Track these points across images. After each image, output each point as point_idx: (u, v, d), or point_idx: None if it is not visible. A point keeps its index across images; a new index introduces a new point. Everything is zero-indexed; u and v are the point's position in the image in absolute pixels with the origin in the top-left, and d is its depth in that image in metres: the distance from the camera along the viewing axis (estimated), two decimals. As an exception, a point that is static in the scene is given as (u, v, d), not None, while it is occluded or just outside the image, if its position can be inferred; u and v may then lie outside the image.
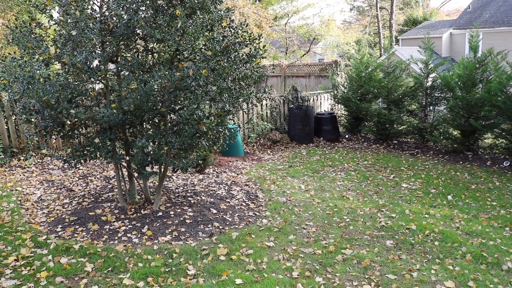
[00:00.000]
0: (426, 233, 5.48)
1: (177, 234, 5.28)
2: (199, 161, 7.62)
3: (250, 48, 5.68)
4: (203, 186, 7.29)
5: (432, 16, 34.89)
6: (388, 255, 4.92)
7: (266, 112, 11.67)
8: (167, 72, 4.81)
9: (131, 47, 5.47)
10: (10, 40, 5.20)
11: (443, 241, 5.27)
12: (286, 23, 30.45)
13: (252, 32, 5.74)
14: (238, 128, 6.85)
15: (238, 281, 4.26)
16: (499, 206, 6.56)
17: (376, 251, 5.02)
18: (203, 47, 5.47)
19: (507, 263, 4.68)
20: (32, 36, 5.21)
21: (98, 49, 5.25)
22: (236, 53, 5.42)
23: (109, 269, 4.41)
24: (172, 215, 5.78)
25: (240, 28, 5.64)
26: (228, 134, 5.86)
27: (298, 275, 4.44)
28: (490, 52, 9.42)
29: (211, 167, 8.52)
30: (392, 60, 11.43)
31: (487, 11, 24.40)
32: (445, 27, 25.74)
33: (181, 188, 7.10)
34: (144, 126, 5.93)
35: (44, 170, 7.95)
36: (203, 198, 6.57)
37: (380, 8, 36.44)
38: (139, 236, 5.19)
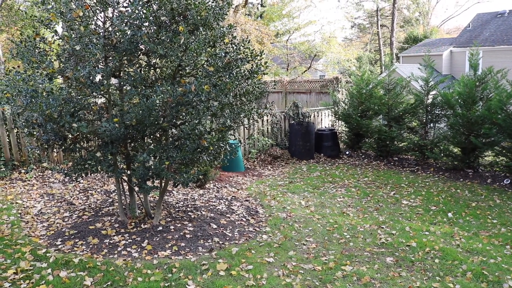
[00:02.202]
0: (427, 250, 5.46)
1: (177, 249, 5.27)
2: (200, 176, 7.62)
3: (252, 64, 5.73)
4: (204, 201, 7.29)
5: (433, 34, 35.24)
6: (388, 272, 4.90)
7: (267, 128, 11.71)
8: (169, 87, 4.86)
9: (134, 62, 5.53)
10: (15, 54, 5.26)
11: (443, 258, 5.25)
12: (287, 40, 30.70)
13: (253, 49, 5.81)
14: (239, 144, 6.87)
15: (238, 297, 4.25)
16: (499, 224, 6.54)
17: (376, 268, 5.00)
18: (205, 63, 5.53)
19: (508, 282, 4.66)
20: (36, 50, 5.27)
21: (101, 64, 5.31)
22: (238, 69, 5.48)
23: (109, 283, 4.40)
24: (172, 230, 5.77)
25: (242, 45, 5.70)
26: (229, 149, 5.88)
27: (297, 291, 4.42)
28: (490, 70, 9.48)
29: (211, 182, 8.53)
30: (393, 77, 11.50)
31: (487, 30, 24.63)
32: (445, 45, 25.97)
33: (182, 202, 7.10)
34: (146, 141, 5.96)
35: (45, 183, 7.96)
36: (203, 213, 6.57)
37: (381, 25, 36.78)
38: (139, 250, 5.18)
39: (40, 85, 5.03)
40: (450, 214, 6.98)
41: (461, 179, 9.24)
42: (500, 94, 8.87)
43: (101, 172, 5.73)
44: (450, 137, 9.86)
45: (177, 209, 6.68)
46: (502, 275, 4.81)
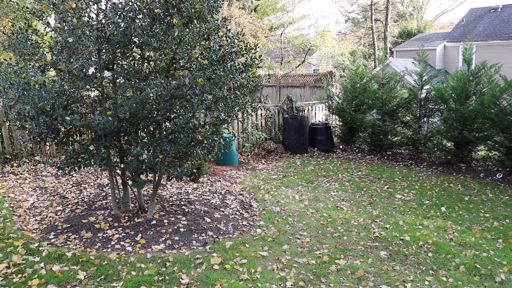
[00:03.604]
0: (420, 244, 5.48)
1: (170, 243, 5.25)
2: (194, 170, 7.59)
3: (246, 58, 5.70)
4: (197, 195, 7.27)
5: (426, 28, 35.30)
6: (382, 266, 4.92)
7: (261, 122, 11.69)
8: (163, 81, 4.82)
9: (127, 55, 5.49)
10: (6, 46, 5.20)
11: (436, 252, 5.28)
12: (281, 34, 30.65)
13: (248, 42, 5.78)
14: (233, 138, 6.84)
15: (232, 290, 4.24)
16: (492, 218, 6.59)
17: (370, 261, 5.02)
18: (199, 56, 5.50)
19: (500, 275, 4.69)
20: (28, 42, 5.21)
21: (94, 56, 5.26)
22: (232, 62, 5.45)
23: (102, 277, 4.38)
24: (166, 224, 5.76)
25: (237, 38, 5.67)
26: (223, 143, 5.87)
27: (291, 285, 4.42)
28: (483, 65, 9.50)
29: (205, 176, 8.51)
30: (387, 72, 11.50)
31: (481, 25, 24.70)
32: (439, 40, 26.03)
33: (175, 196, 7.08)
34: (139, 134, 5.92)
35: (38, 177, 7.91)
36: (197, 207, 6.55)
37: (375, 20, 36.77)
38: (132, 244, 5.16)
39: (33, 78, 4.97)
40: (443, 208, 7.01)
41: (454, 174, 9.28)
42: (493, 89, 8.90)
43: (94, 165, 5.69)
44: (444, 132, 9.89)
45: (171, 203, 6.66)
46: (495, 269, 4.85)
